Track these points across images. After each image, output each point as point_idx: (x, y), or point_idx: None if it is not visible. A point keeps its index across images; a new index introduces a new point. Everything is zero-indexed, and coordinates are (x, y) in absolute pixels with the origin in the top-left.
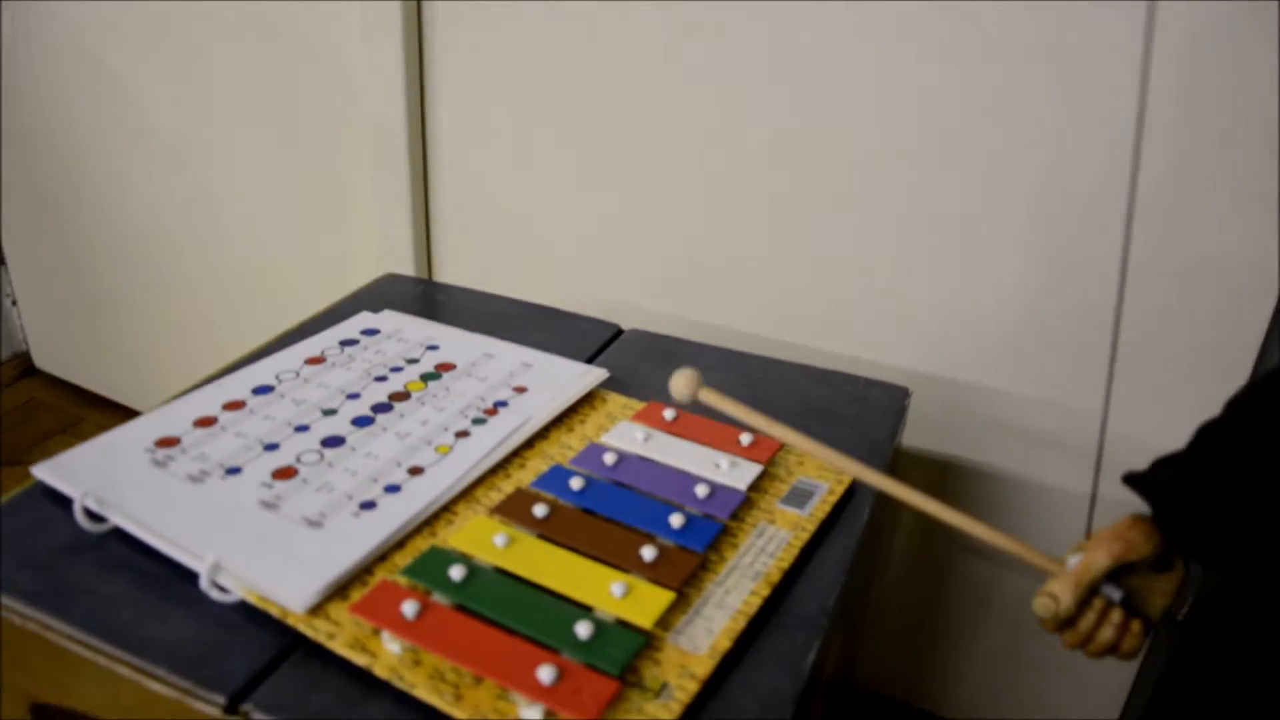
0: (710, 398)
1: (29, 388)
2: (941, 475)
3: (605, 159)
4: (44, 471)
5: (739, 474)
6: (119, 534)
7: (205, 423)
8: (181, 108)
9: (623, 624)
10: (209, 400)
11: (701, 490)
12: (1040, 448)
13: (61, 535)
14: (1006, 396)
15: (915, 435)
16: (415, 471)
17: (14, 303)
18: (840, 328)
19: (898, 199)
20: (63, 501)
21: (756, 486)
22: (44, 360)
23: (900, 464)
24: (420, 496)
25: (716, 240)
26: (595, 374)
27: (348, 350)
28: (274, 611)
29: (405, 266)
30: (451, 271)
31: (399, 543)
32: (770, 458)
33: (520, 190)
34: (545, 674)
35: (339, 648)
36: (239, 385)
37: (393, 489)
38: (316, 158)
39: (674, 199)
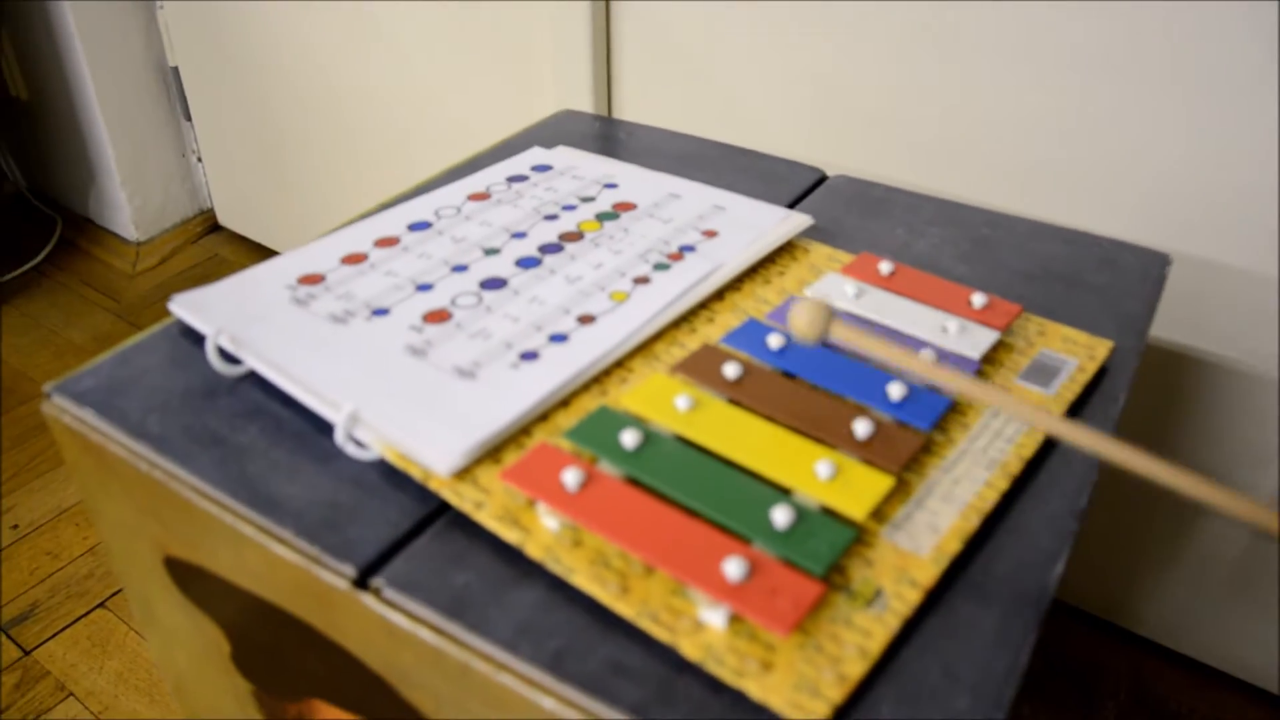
0: (846, 334)
1: (213, 244)
2: (1181, 369)
3: None
4: (181, 306)
5: (971, 340)
6: (255, 378)
7: (354, 259)
8: None
9: (829, 512)
10: (360, 236)
11: (927, 356)
12: None
13: (196, 377)
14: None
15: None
16: (586, 320)
17: (199, 159)
18: (1077, 197)
19: (1154, 50)
20: (199, 340)
21: (991, 358)
22: (228, 217)
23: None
24: (591, 348)
25: (933, 94)
26: (797, 219)
27: (515, 186)
28: (415, 473)
29: (584, 107)
30: (633, 115)
31: (564, 401)
32: (1008, 324)
33: (712, 29)
34: (733, 568)
35: (487, 519)
36: (394, 221)
37: (559, 338)
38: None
39: (885, 44)
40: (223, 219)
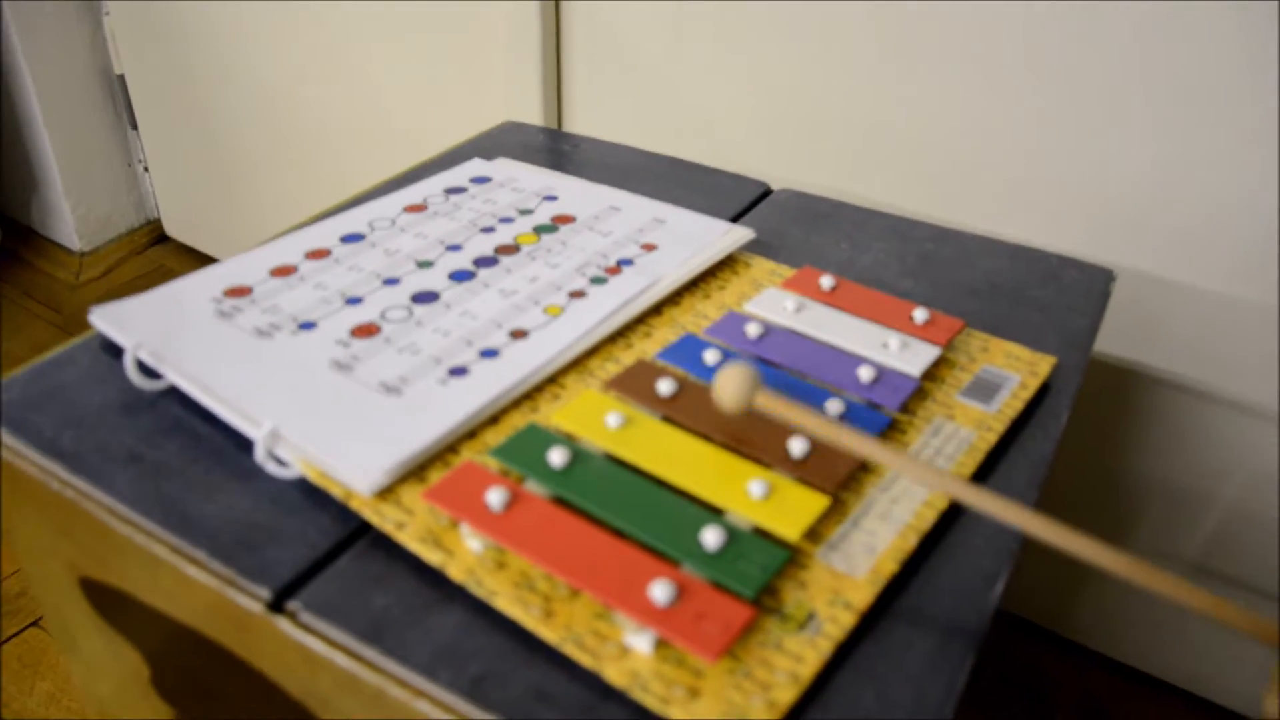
0: (769, 404)
1: (160, 255)
2: (1122, 384)
3: (755, 8)
4: (101, 318)
5: (912, 356)
6: (176, 393)
7: (283, 272)
8: None
9: (761, 533)
10: (291, 248)
11: (865, 374)
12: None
13: (114, 393)
14: (1215, 299)
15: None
16: (518, 335)
17: (145, 169)
18: (1027, 213)
19: (1106, 66)
20: (120, 354)
21: (932, 375)
22: (175, 228)
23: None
24: (521, 363)
25: (882, 106)
26: (739, 233)
27: (453, 199)
28: (336, 492)
29: (534, 119)
30: (584, 128)
31: (493, 418)
32: (950, 340)
33: (664, 41)
34: (660, 592)
35: (408, 540)
36: (326, 233)
37: (489, 354)
38: (446, 10)
39: (839, 58)
40: (170, 230)
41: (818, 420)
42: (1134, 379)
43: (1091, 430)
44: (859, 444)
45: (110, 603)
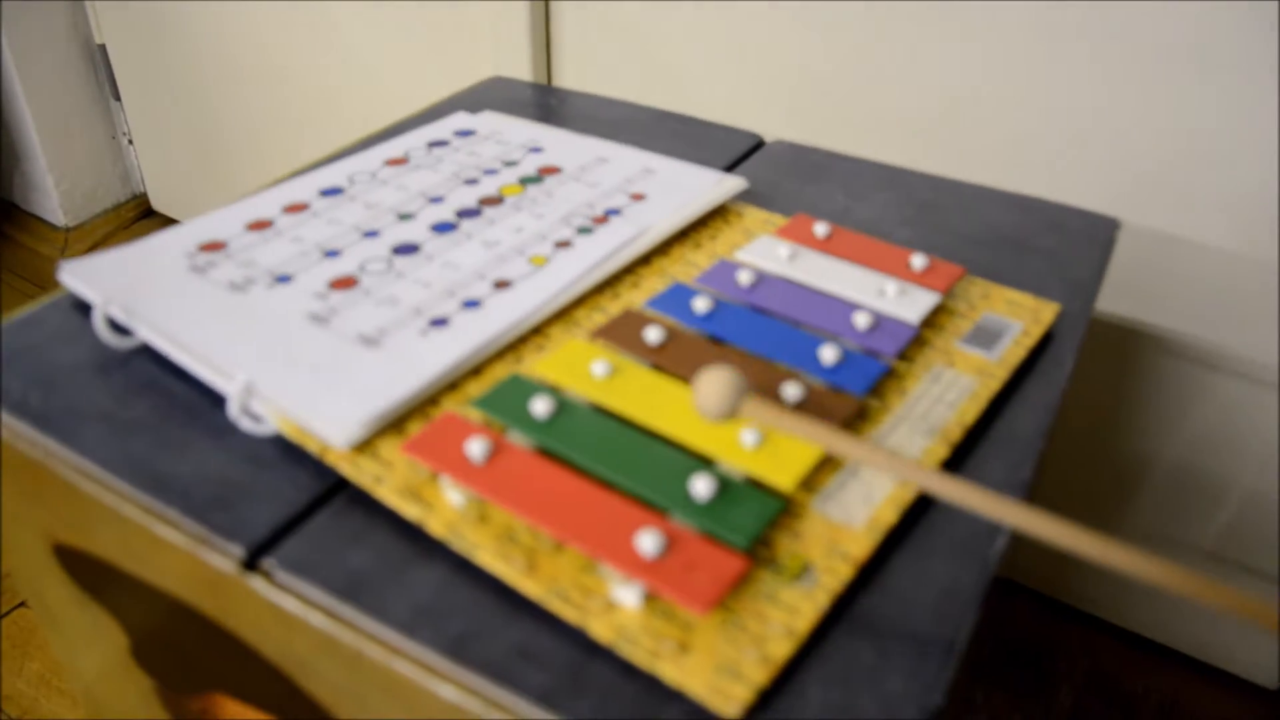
0: (758, 410)
1: (147, 229)
2: (1127, 343)
3: None
4: (70, 275)
5: (910, 303)
6: (149, 351)
7: (259, 226)
8: None
9: (754, 483)
10: (268, 203)
11: (862, 320)
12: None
13: (84, 352)
14: (1221, 256)
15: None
16: (501, 285)
17: (130, 141)
18: (1022, 168)
19: (1105, 17)
20: (90, 314)
21: (931, 322)
22: (161, 201)
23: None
24: (505, 313)
25: (877, 60)
26: (730, 183)
27: (436, 151)
28: (312, 447)
29: (523, 76)
30: (574, 83)
31: (475, 370)
32: (950, 287)
33: None
34: (648, 542)
35: (387, 494)
36: (305, 187)
37: (472, 304)
38: None
39: (832, 9)
40: (156, 203)
41: (817, 428)
42: (1139, 342)
43: (1094, 389)
44: (871, 454)
45: (86, 571)
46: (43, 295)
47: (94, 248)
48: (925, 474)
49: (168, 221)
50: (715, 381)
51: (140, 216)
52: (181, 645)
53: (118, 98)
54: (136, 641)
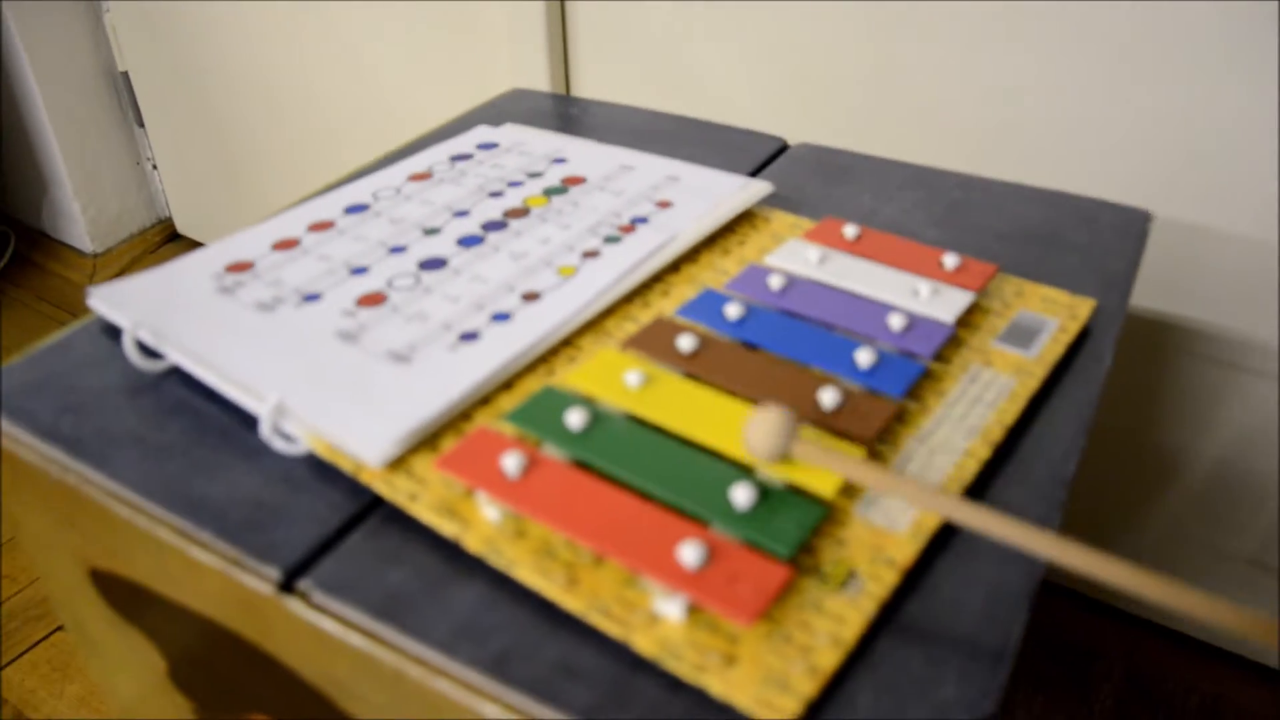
0: (808, 453)
1: (173, 252)
2: (1157, 337)
3: None
4: (99, 299)
5: (944, 303)
6: (178, 373)
7: (285, 245)
8: None
9: (795, 490)
10: (293, 221)
11: (896, 321)
12: None
13: (114, 376)
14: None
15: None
16: (530, 297)
17: (154, 166)
18: (1054, 165)
19: (1123, 11)
20: (120, 338)
21: (966, 321)
22: (187, 225)
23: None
24: (535, 326)
25: (901, 63)
26: (756, 187)
27: (459, 165)
28: (345, 465)
29: (541, 87)
30: (592, 94)
31: (507, 383)
32: (983, 285)
33: (671, 2)
34: (690, 554)
35: (422, 511)
36: (329, 205)
37: (501, 317)
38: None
39: (851, 11)
40: (181, 227)
41: (867, 469)
42: (1170, 337)
43: (1124, 386)
44: (919, 492)
45: (122, 594)
46: (73, 321)
47: (122, 273)
48: (975, 511)
49: (193, 244)
50: (768, 423)
51: (166, 240)
52: (219, 667)
53: (141, 124)
54: (174, 664)
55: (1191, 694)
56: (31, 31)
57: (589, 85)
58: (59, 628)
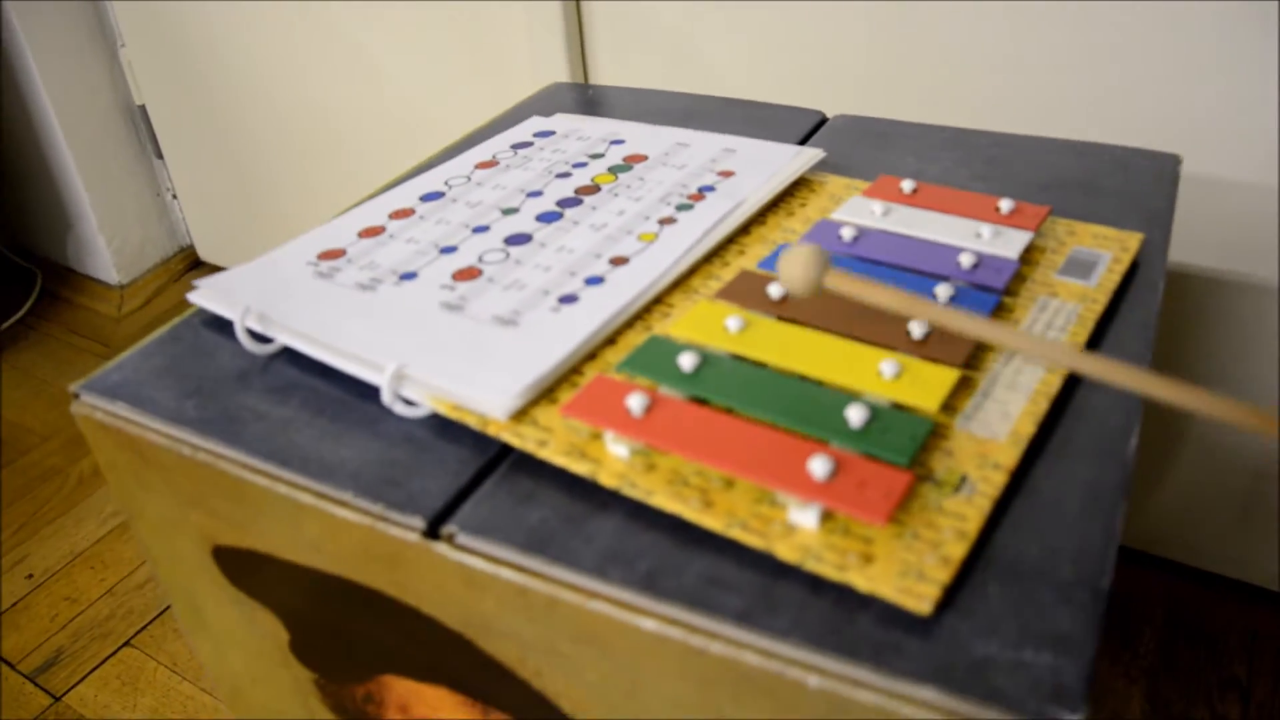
0: (842, 284)
1: (198, 278)
2: (1205, 292)
3: None
4: (203, 294)
5: (1006, 241)
6: (287, 355)
7: (371, 233)
8: None
9: (901, 408)
10: (374, 211)
11: (966, 260)
12: None
13: (224, 362)
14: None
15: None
16: (618, 261)
17: (174, 196)
18: (1085, 123)
19: None
20: (223, 328)
21: (1026, 259)
22: (209, 252)
23: None
24: (628, 286)
25: (929, 34)
26: (810, 153)
27: (522, 152)
28: (472, 421)
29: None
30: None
31: (610, 339)
32: (1039, 225)
33: None
34: (819, 467)
35: (553, 456)
36: (405, 194)
37: (594, 280)
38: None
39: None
40: (204, 254)
41: (894, 295)
42: (1188, 281)
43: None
44: (960, 321)
45: (245, 569)
46: (168, 321)
47: (148, 302)
48: (1062, 350)
49: (217, 270)
50: (802, 256)
51: (189, 268)
52: (347, 631)
53: (160, 155)
54: (296, 634)
55: (1230, 632)
56: (50, 70)
57: (607, 81)
58: (126, 643)
